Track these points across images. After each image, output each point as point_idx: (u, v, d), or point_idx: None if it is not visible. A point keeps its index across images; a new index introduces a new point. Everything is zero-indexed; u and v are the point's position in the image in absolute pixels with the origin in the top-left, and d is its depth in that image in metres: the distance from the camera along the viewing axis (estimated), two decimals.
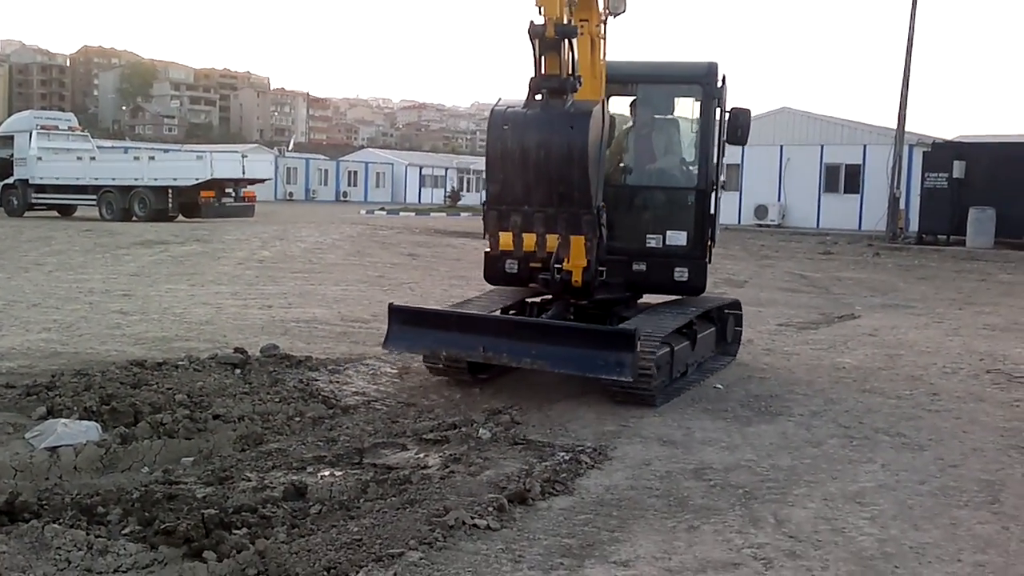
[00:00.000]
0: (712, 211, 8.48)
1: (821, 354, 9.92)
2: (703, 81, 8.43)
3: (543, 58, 6.45)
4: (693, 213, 8.41)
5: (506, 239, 6.86)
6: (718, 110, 8.43)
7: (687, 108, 8.83)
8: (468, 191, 72.13)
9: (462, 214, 46.88)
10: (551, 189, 6.44)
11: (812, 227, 37.24)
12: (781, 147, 38.30)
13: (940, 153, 30.98)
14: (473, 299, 8.66)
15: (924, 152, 32.28)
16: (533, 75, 6.53)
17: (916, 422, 7.08)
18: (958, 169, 29.26)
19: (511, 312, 8.37)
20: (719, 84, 8.40)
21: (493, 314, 7.79)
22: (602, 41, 7.67)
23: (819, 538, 4.64)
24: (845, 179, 37.97)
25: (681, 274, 8.31)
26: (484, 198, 6.84)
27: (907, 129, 32.21)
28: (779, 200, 38.88)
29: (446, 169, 75.41)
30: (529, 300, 8.57)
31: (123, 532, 4.34)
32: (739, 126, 8.39)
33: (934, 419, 7.21)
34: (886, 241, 29.91)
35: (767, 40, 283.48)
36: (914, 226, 31.93)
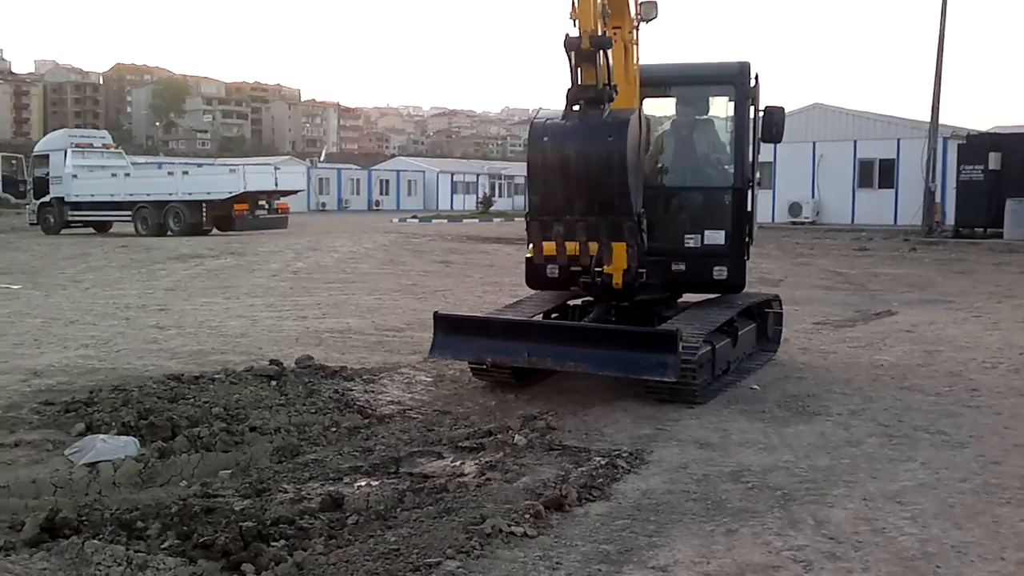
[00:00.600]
0: (749, 209, 8.54)
1: (859, 352, 9.82)
2: (736, 81, 8.50)
3: (579, 69, 6.57)
4: (730, 212, 8.48)
5: (549, 247, 6.96)
6: (752, 109, 8.49)
7: (721, 108, 8.93)
8: (500, 196, 72.28)
9: (495, 220, 47.00)
10: (592, 198, 6.57)
11: (847, 223, 36.92)
12: (814, 143, 38.04)
13: (975, 145, 30.63)
14: (516, 303, 8.79)
15: (959, 144, 31.89)
16: (570, 86, 6.65)
17: (956, 419, 6.98)
18: (994, 160, 28.91)
19: (553, 315, 8.47)
20: (752, 83, 8.46)
21: (536, 319, 7.90)
22: (635, 47, 7.78)
23: (859, 539, 4.58)
24: (879, 174, 37.64)
25: (720, 272, 8.39)
26: (526, 207, 7.04)
27: (941, 121, 31.86)
28: (813, 197, 38.60)
29: (477, 175, 75.61)
30: (571, 303, 8.69)
31: (162, 546, 4.37)
32: (773, 124, 8.48)
33: (974, 415, 7.11)
34: (922, 235, 29.60)
35: (798, 36, 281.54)
36: (950, 219, 31.59)
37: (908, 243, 27.07)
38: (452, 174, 74.20)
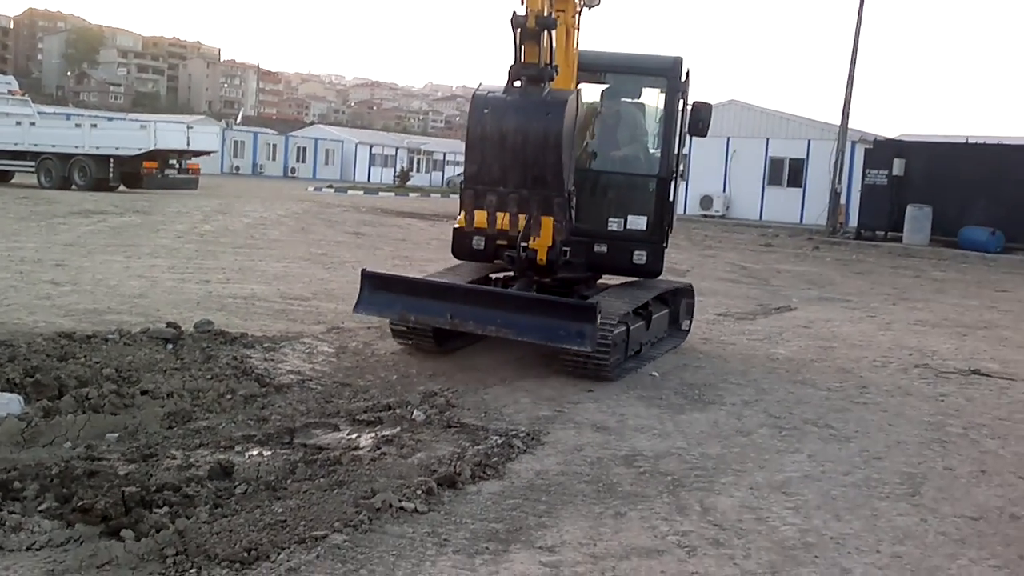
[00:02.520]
0: (671, 199, 8.80)
1: (756, 344, 10.05)
2: (668, 74, 8.77)
3: (523, 47, 6.72)
4: (654, 199, 8.73)
5: (481, 217, 7.08)
6: (681, 102, 8.74)
7: (652, 99, 9.22)
8: (418, 171, 71.76)
9: (411, 194, 46.67)
10: (526, 172, 6.74)
11: (755, 219, 37.71)
12: (728, 139, 38.66)
13: (881, 151, 31.57)
14: (441, 271, 8.91)
15: (866, 149, 32.84)
16: (513, 63, 6.81)
17: (844, 414, 7.20)
18: (898, 167, 29.84)
19: None
20: (683, 78, 8.70)
21: (462, 283, 8.00)
22: (576, 32, 8.01)
23: (743, 527, 4.70)
24: (789, 173, 38.52)
25: (640, 257, 8.62)
26: (462, 177, 7.13)
27: (850, 126, 32.76)
28: (724, 191, 39.30)
29: (396, 148, 74.90)
30: (493, 276, 8.85)
31: (39, 509, 4.24)
32: (700, 119, 8.75)
33: (862, 411, 7.34)
34: (826, 235, 30.42)
35: (718, 32, 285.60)
36: (854, 221, 32.53)
37: (812, 242, 27.79)
38: (371, 146, 73.34)
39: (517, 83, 6.84)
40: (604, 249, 8.63)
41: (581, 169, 8.52)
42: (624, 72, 9.26)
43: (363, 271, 7.93)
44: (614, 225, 8.65)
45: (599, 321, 7.10)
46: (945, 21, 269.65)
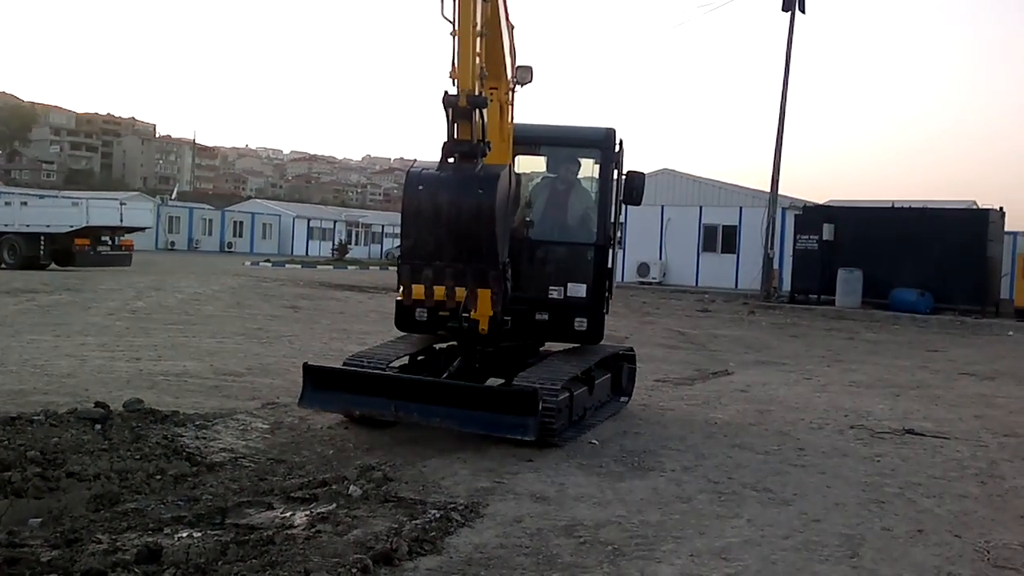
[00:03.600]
0: (610, 266, 8.98)
1: (695, 409, 10.10)
2: (602, 145, 9.03)
3: (455, 124, 6.85)
4: (592, 267, 8.85)
5: (418, 290, 7.08)
6: (615, 172, 8.97)
7: (587, 170, 9.42)
8: (357, 244, 71.69)
9: (349, 267, 46.51)
10: (461, 245, 6.81)
11: (692, 284, 38.23)
12: (663, 207, 39.32)
13: (811, 216, 32.30)
14: (386, 343, 9.12)
15: (796, 215, 33.59)
16: (446, 140, 6.93)
17: (783, 477, 7.23)
18: (827, 231, 30.55)
19: (419, 358, 8.81)
20: (616, 148, 8.95)
21: (404, 375, 8.17)
22: (510, 107, 8.28)
23: None
24: (723, 239, 39.24)
25: (580, 324, 8.73)
26: (399, 253, 7.22)
27: (781, 192, 33.56)
28: (660, 258, 39.83)
29: (335, 222, 74.88)
30: (437, 347, 8.96)
31: None
32: (634, 188, 9.00)
33: (800, 474, 7.38)
34: (760, 300, 30.92)
35: (650, 103, 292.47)
36: (787, 285, 33.14)
37: (747, 306, 28.22)
38: (309, 219, 73.25)
39: (451, 160, 6.93)
40: (546, 317, 8.74)
41: (520, 239, 8.72)
42: (559, 144, 9.44)
43: (305, 365, 8.02)
44: (555, 293, 8.77)
45: (541, 407, 7.23)
46: (870, 90, 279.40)
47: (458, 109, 6.78)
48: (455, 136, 6.87)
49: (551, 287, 8.78)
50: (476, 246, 6.77)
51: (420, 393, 7.66)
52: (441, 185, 6.82)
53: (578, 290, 8.76)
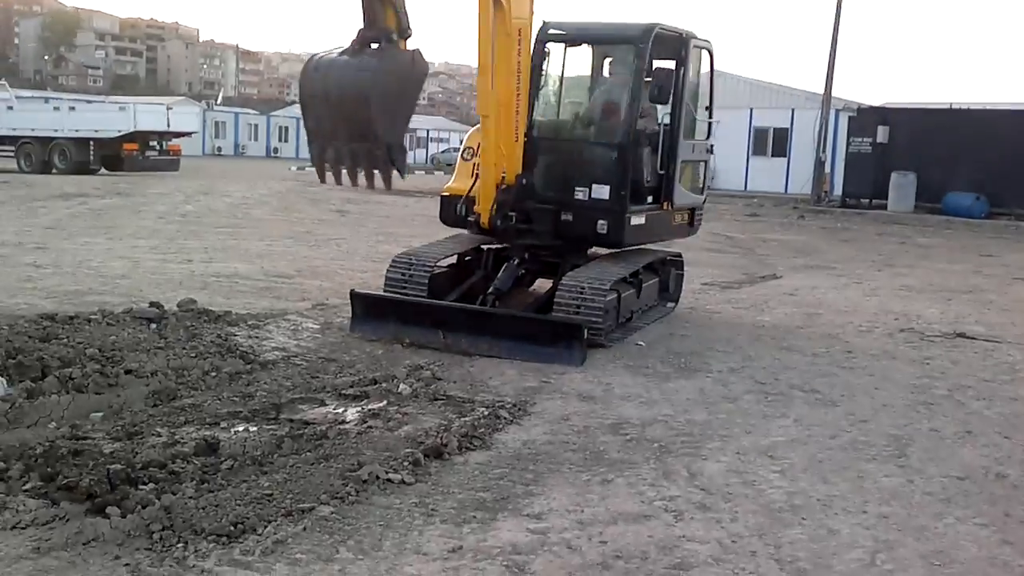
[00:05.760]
0: (641, 165, 8.62)
1: (742, 313, 10.06)
2: (636, 41, 8.63)
3: (367, 11, 7.01)
4: (615, 167, 8.53)
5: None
6: (646, 70, 8.60)
7: (624, 67, 9.03)
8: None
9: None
10: (351, 128, 7.05)
11: (740, 189, 37.69)
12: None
13: (865, 118, 31.48)
14: (433, 243, 9.13)
15: (850, 117, 32.77)
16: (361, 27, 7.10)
17: (830, 379, 7.22)
18: (882, 134, 29.79)
19: (466, 258, 8.93)
20: (649, 45, 8.52)
21: (451, 304, 8.12)
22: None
23: (730, 491, 4.71)
24: (773, 142, 38.47)
25: (602, 226, 8.46)
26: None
27: (834, 94, 32.68)
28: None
29: None
30: (484, 247, 8.97)
31: (24, 488, 4.21)
32: (660, 85, 8.51)
33: (848, 376, 7.36)
34: (811, 204, 30.44)
35: (701, 3, 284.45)
36: (838, 190, 32.52)
37: (797, 211, 27.81)
38: None
39: (356, 45, 7.07)
40: (570, 218, 8.54)
41: (551, 139, 8.83)
42: (600, 41, 9.23)
43: (352, 292, 8.12)
44: (580, 194, 8.54)
45: (586, 336, 7.31)
46: None
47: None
48: (368, 22, 7.01)
49: (577, 188, 8.56)
50: (361, 128, 6.98)
51: (468, 321, 7.69)
52: (331, 69, 7.05)
53: (601, 191, 8.48)
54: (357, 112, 6.92)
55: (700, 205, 9.92)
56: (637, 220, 8.61)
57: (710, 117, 9.68)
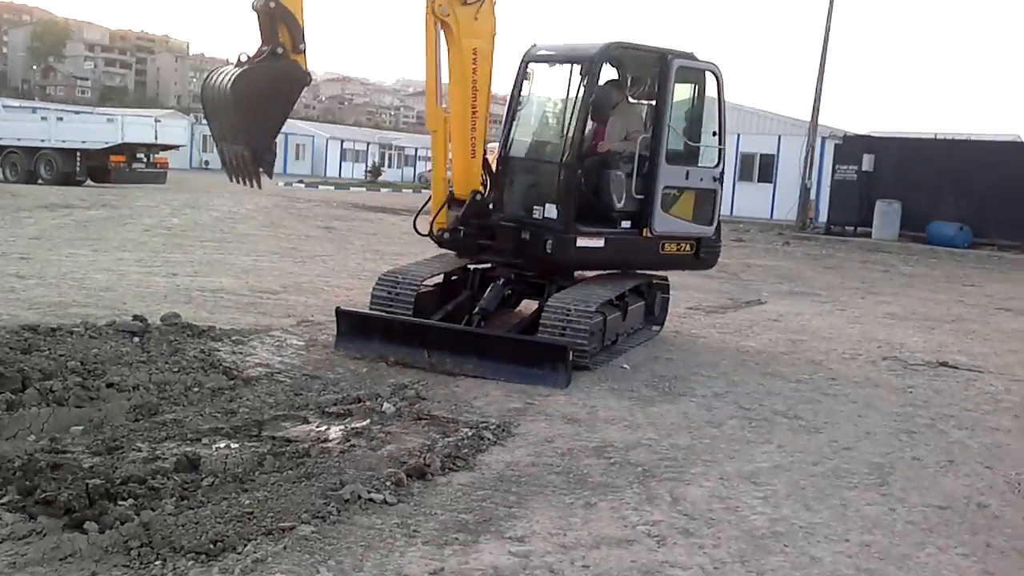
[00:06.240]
0: (601, 187, 8.56)
1: (727, 337, 10.08)
2: (589, 60, 8.51)
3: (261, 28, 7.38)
4: (562, 187, 8.43)
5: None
6: (589, 88, 8.54)
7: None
8: (389, 166, 71.47)
9: (382, 189, 46.48)
10: (228, 130, 7.46)
11: (726, 214, 37.68)
12: None
13: (851, 146, 31.70)
14: (420, 261, 9.13)
15: (836, 144, 32.98)
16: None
17: (814, 405, 7.24)
18: (867, 162, 30.00)
19: (452, 277, 8.91)
20: (599, 64, 8.48)
21: (436, 323, 8.11)
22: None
23: (713, 516, 4.70)
24: (759, 168, 38.64)
25: (549, 246, 8.35)
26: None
27: (820, 122, 32.90)
28: None
29: (368, 144, 74.51)
30: (471, 267, 8.94)
31: (1, 501, 4.16)
32: (595, 103, 8.56)
33: (831, 403, 7.38)
34: (796, 230, 30.59)
35: (688, 25, 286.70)
36: (823, 216, 32.67)
37: (782, 237, 27.94)
38: (342, 141, 72.91)
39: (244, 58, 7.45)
40: (527, 236, 8.49)
41: (516, 157, 9.06)
42: (568, 61, 9.01)
43: (337, 310, 8.12)
44: (536, 213, 8.53)
45: (571, 359, 7.31)
46: (915, 19, 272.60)
47: (260, 14, 7.31)
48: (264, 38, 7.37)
49: (533, 206, 8.56)
50: (233, 131, 7.39)
51: (453, 341, 7.67)
52: (219, 78, 7.49)
53: (550, 211, 8.42)
54: (229, 117, 7.41)
55: (710, 236, 9.28)
56: (591, 243, 8.44)
57: (720, 143, 9.18)
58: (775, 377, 8.18)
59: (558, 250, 8.33)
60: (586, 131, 8.80)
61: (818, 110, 32.16)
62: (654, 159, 8.67)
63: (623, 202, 8.60)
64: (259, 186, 7.37)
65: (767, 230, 30.71)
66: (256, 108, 7.40)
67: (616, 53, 8.74)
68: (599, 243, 8.53)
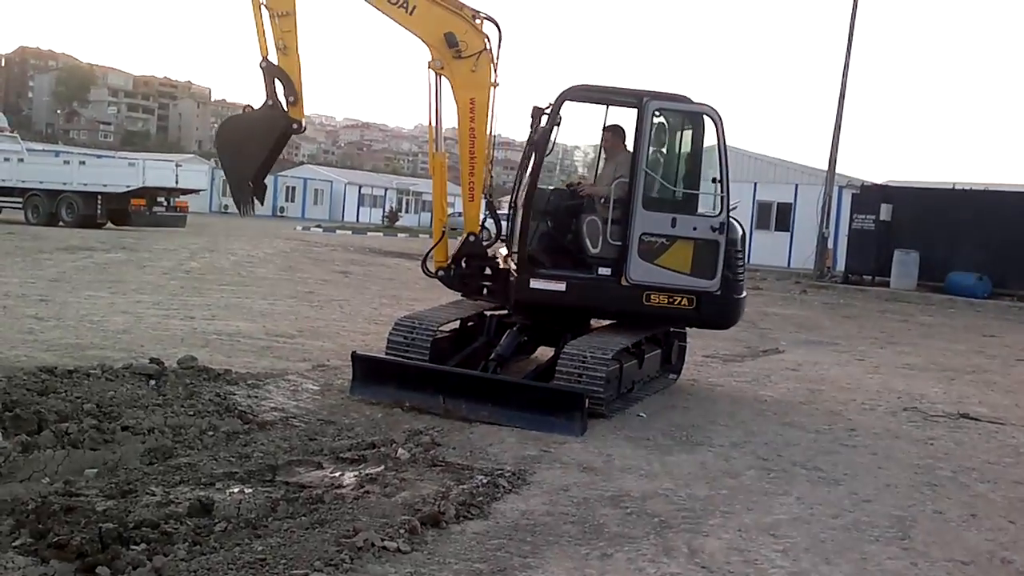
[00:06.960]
0: (560, 229, 8.82)
1: (744, 387, 10.00)
2: (551, 108, 8.61)
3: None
4: (512, 228, 9.05)
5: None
6: (553, 135, 8.80)
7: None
8: (407, 212, 71.91)
9: (399, 235, 46.70)
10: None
11: None
12: None
13: (868, 195, 31.67)
14: (436, 307, 9.29)
15: (853, 194, 32.95)
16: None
17: (833, 456, 7.15)
18: (885, 212, 29.93)
19: (469, 323, 9.00)
20: (558, 111, 8.52)
21: (452, 369, 8.07)
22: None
23: (731, 569, 4.63)
24: (776, 217, 38.67)
25: (512, 287, 8.57)
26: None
27: (838, 171, 32.92)
28: None
29: (385, 189, 75.12)
30: (487, 313, 9.02)
31: (13, 544, 4.14)
32: (538, 143, 8.84)
33: (851, 454, 7.29)
34: (813, 279, 30.47)
35: (705, 75, 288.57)
36: (841, 265, 32.56)
37: (800, 285, 27.84)
38: (360, 186, 73.53)
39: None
40: (512, 278, 8.63)
41: (517, 204, 9.12)
42: (543, 112, 8.97)
43: (353, 355, 8.03)
44: (514, 255, 8.82)
45: (587, 406, 7.27)
46: (933, 68, 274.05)
47: (263, 72, 8.40)
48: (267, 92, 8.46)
49: (514, 250, 8.88)
50: (225, 169, 8.96)
51: (469, 387, 7.63)
52: (224, 124, 8.99)
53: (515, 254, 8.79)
54: (222, 156, 8.91)
55: (713, 292, 8.44)
56: (547, 285, 8.33)
57: (722, 191, 8.45)
58: (794, 427, 8.10)
59: (516, 291, 8.50)
60: (540, 172, 8.93)
61: (835, 160, 32.20)
62: (630, 204, 8.33)
63: (599, 247, 8.47)
64: (242, 214, 8.86)
65: (784, 278, 30.63)
66: (238, 150, 8.66)
67: (578, 95, 8.72)
68: (559, 286, 8.35)
